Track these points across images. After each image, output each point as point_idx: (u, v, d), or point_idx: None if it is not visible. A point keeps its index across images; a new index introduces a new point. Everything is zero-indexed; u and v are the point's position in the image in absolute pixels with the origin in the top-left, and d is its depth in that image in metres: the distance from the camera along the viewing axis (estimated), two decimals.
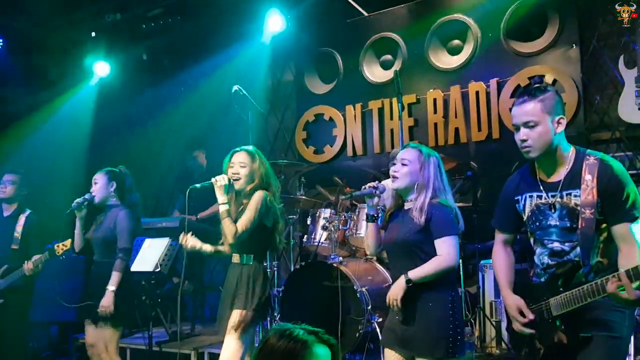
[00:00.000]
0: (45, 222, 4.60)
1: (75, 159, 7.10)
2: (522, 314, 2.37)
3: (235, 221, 3.21)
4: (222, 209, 3.21)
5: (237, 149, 3.36)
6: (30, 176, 4.69)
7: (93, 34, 6.69)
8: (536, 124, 2.28)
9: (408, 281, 2.71)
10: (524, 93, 2.36)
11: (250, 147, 3.39)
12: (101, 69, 6.80)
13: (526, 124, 2.30)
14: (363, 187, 2.95)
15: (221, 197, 3.22)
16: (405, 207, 2.88)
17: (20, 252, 4.35)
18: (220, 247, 3.40)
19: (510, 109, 5.18)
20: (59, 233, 4.08)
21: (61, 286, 4.73)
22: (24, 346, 4.69)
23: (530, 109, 2.29)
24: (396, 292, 2.73)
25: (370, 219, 2.94)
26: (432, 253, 2.74)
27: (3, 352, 4.30)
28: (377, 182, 2.98)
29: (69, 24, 6.46)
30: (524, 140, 2.31)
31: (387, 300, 2.78)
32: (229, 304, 3.25)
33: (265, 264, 3.37)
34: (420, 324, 2.71)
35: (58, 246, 4.03)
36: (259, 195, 3.23)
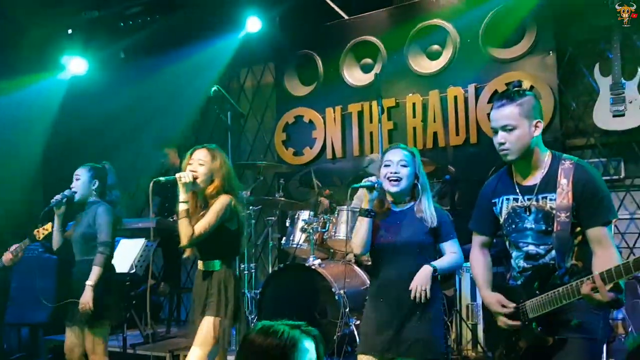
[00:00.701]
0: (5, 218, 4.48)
1: (47, 155, 6.99)
2: (503, 306, 2.39)
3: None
4: (182, 207, 3.02)
5: (199, 145, 3.20)
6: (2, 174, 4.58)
7: (70, 31, 6.58)
8: (514, 127, 2.31)
9: (435, 270, 2.73)
10: (502, 97, 2.39)
11: (212, 145, 3.23)
12: (77, 65, 6.69)
13: (504, 127, 2.33)
14: (365, 179, 2.90)
15: (183, 195, 3.03)
16: (397, 209, 2.88)
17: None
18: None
19: (488, 114, 5.24)
20: (23, 228, 3.96)
21: (33, 287, 4.64)
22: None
23: (508, 112, 2.32)
24: (424, 280, 2.70)
25: (366, 213, 2.82)
26: (433, 254, 2.83)
27: None
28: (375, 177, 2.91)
29: (45, 21, 6.35)
30: (502, 144, 2.34)
31: (412, 292, 2.70)
32: (200, 311, 3.12)
33: (232, 269, 3.20)
34: (421, 323, 2.72)
35: (38, 231, 3.92)
36: (223, 199, 3.08)
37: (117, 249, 4.80)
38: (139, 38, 6.48)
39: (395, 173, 2.82)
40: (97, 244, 3.73)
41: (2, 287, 4.29)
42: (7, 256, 3.98)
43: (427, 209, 2.80)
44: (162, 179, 3.16)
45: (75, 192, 3.82)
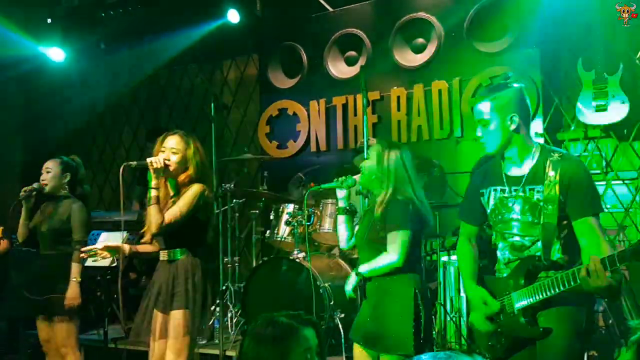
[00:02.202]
0: None
1: (22, 148, 6.88)
2: (485, 303, 2.40)
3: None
4: (152, 194, 2.92)
5: (171, 131, 3.11)
6: None
7: (49, 20, 6.44)
8: (487, 121, 2.38)
9: (357, 274, 2.79)
10: (483, 92, 2.48)
11: (183, 132, 3.12)
12: (55, 54, 6.56)
13: (479, 121, 2.42)
14: (336, 179, 2.97)
15: (154, 181, 2.94)
16: (373, 203, 2.89)
17: None
18: (142, 247, 3.15)
19: (472, 108, 5.27)
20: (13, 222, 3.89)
21: (12, 280, 4.55)
22: None
23: (482, 107, 2.39)
24: (348, 287, 2.84)
25: (341, 211, 2.96)
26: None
27: None
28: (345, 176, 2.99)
29: (23, 10, 6.21)
30: (478, 137, 2.45)
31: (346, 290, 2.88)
32: (164, 305, 3.01)
33: (198, 258, 3.08)
34: (385, 319, 2.71)
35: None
36: (196, 188, 3.00)
37: (98, 242, 4.73)
38: (118, 28, 6.37)
39: (363, 167, 2.91)
40: (74, 242, 3.69)
41: None
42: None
43: (379, 201, 2.76)
44: (132, 163, 3.05)
45: (45, 185, 3.75)
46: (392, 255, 2.69)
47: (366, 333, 2.78)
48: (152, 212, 2.90)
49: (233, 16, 5.88)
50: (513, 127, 2.35)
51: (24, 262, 4.83)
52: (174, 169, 3.02)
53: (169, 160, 3.00)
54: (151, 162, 2.93)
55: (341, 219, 2.97)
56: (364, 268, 2.78)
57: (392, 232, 2.70)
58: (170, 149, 3.03)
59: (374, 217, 2.77)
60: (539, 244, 2.31)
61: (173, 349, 2.96)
